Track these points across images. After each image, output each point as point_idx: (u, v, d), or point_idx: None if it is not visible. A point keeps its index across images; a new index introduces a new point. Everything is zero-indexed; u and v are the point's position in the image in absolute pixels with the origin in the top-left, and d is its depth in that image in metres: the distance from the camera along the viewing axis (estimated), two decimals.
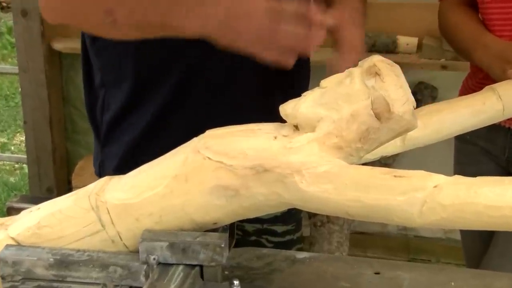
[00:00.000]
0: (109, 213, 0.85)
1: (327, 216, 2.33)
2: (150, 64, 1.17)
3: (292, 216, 1.35)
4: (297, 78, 1.26)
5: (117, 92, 1.22)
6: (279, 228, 1.34)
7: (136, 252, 0.84)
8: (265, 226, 1.33)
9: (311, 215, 2.38)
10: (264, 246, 1.32)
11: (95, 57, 1.23)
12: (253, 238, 1.33)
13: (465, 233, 1.67)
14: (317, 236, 2.37)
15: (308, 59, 1.28)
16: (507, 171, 1.50)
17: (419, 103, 1.08)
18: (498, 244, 1.46)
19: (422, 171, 0.77)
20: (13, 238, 0.88)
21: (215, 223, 0.86)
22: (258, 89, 1.20)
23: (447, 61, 2.33)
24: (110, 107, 1.24)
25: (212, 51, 1.01)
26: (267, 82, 1.19)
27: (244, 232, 1.33)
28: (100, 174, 1.29)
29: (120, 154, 1.24)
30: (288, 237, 1.36)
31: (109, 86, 1.23)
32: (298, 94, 0.85)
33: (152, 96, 1.19)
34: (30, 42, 2.67)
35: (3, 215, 0.95)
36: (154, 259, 0.81)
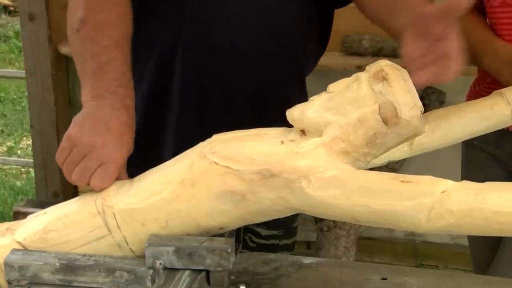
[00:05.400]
0: (115, 217, 0.85)
1: (334, 221, 2.32)
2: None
3: (280, 223, 1.33)
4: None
5: None
6: (262, 231, 1.33)
7: (142, 257, 0.83)
8: (249, 225, 1.32)
9: (318, 220, 2.37)
10: (247, 244, 1.31)
11: None
12: None
13: (472, 239, 1.65)
14: (324, 241, 2.36)
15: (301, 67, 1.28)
16: None
17: (427, 108, 1.08)
18: (506, 250, 1.45)
19: (430, 177, 0.77)
20: (19, 243, 0.88)
21: (222, 228, 0.86)
22: (249, 94, 1.19)
23: None
24: None
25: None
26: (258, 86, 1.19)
27: None
28: None
29: None
30: (272, 241, 1.34)
31: None
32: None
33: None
34: (37, 46, 2.66)
35: (10, 220, 0.95)
36: (160, 264, 0.81)
